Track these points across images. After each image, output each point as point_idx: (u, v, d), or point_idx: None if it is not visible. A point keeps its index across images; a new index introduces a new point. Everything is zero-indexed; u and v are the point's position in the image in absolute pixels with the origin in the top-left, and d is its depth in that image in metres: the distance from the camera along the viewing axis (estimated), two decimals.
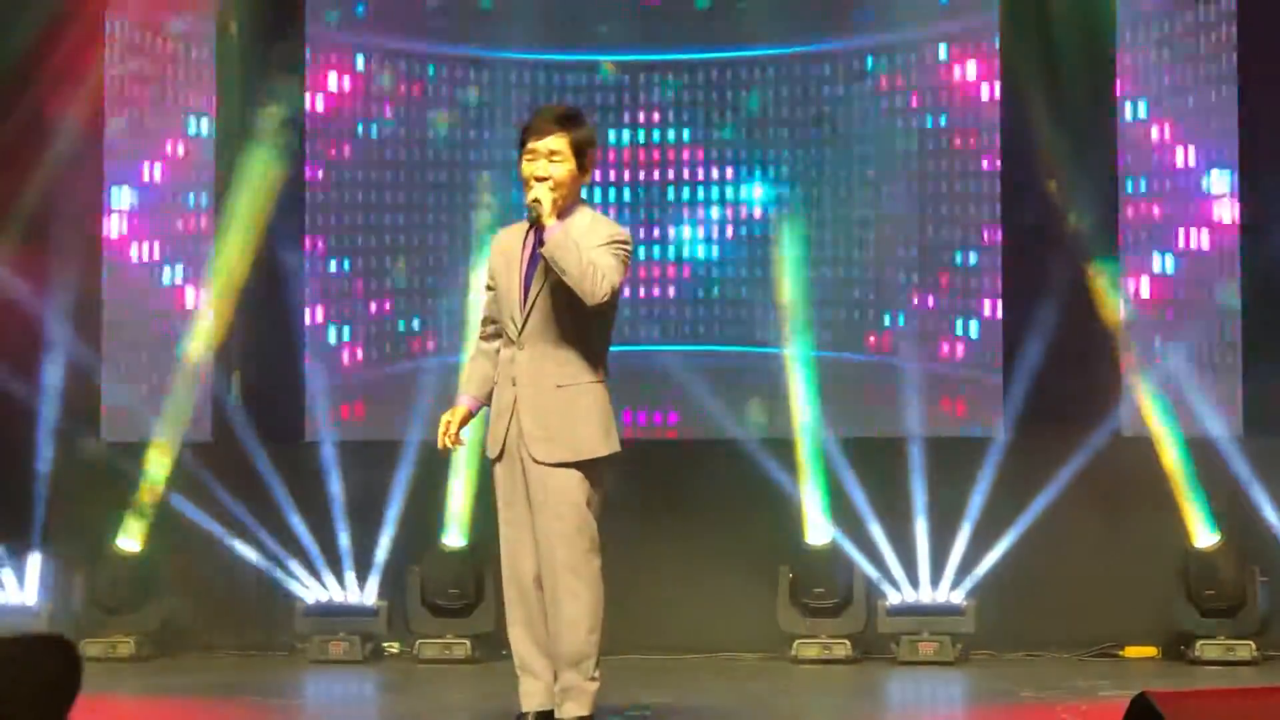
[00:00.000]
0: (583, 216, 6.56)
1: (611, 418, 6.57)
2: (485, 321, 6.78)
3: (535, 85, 10.33)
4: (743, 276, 10.28)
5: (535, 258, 6.49)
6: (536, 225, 6.45)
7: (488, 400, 6.69)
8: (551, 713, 6.58)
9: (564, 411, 6.48)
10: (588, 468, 6.50)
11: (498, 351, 6.67)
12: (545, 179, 6.48)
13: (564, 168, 6.51)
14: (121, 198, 10.40)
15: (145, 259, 10.39)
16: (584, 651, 6.50)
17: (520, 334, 6.51)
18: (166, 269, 10.39)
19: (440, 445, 6.69)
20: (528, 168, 6.54)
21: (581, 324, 6.50)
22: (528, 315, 6.50)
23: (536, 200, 6.43)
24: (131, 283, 10.38)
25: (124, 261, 10.39)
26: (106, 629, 9.81)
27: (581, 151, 6.55)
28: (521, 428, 6.49)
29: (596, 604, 6.51)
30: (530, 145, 6.55)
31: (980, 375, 10.08)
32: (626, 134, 10.32)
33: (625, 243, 6.54)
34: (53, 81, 10.08)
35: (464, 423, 6.69)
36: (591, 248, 6.42)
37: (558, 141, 6.52)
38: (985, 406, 10.06)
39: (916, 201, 10.18)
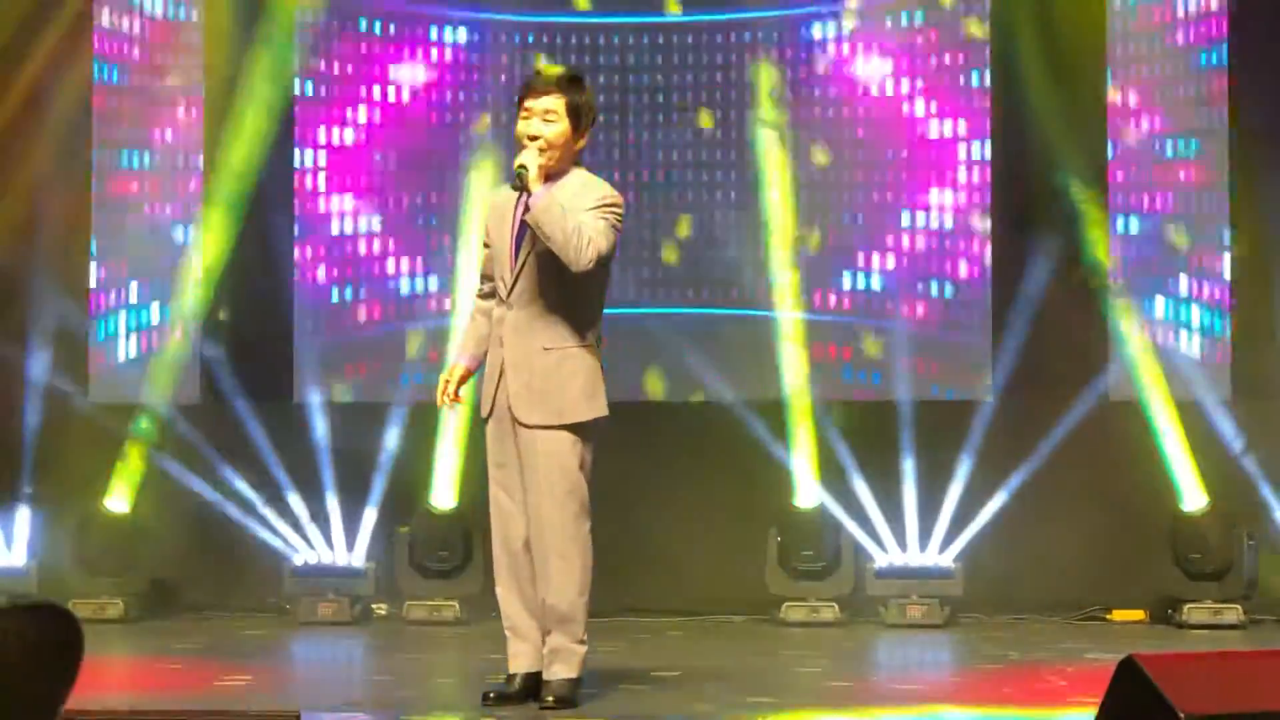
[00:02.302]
0: (574, 179, 6.53)
1: (599, 383, 6.56)
2: (483, 279, 6.77)
3: (529, 45, 10.30)
4: (730, 238, 10.27)
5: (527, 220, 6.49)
6: (523, 190, 6.42)
7: (484, 355, 6.70)
8: (539, 674, 6.60)
9: (549, 374, 6.48)
10: (576, 431, 6.50)
11: (489, 304, 6.68)
12: (537, 138, 6.47)
13: (557, 128, 6.49)
14: (110, 157, 10.36)
15: (134, 217, 10.36)
16: (572, 614, 6.51)
17: (510, 295, 6.51)
18: (156, 229, 10.37)
19: (440, 403, 6.70)
20: (522, 126, 6.52)
21: (571, 287, 6.48)
22: (517, 277, 6.50)
23: (523, 166, 6.40)
24: (120, 242, 10.36)
25: (113, 220, 10.36)
26: (95, 590, 9.80)
27: (578, 114, 6.52)
28: (508, 389, 6.49)
29: (585, 567, 6.52)
30: (526, 104, 6.53)
31: (968, 338, 10.08)
32: (616, 96, 10.30)
33: (616, 206, 6.52)
34: (41, 46, 10.06)
35: (462, 381, 6.70)
36: (580, 211, 6.40)
37: (554, 101, 6.50)
38: (973, 370, 10.06)
39: (905, 163, 10.17)
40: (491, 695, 6.62)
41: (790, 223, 10.17)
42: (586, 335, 6.55)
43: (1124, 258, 9.98)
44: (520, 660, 6.64)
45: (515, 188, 6.46)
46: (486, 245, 6.71)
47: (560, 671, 6.55)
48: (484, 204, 6.83)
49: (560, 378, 6.49)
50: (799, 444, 9.90)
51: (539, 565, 6.52)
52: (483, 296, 6.76)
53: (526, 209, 6.41)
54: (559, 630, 6.53)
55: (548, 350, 6.49)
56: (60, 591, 9.71)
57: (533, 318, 6.50)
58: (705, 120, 10.27)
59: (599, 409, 6.56)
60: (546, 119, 6.49)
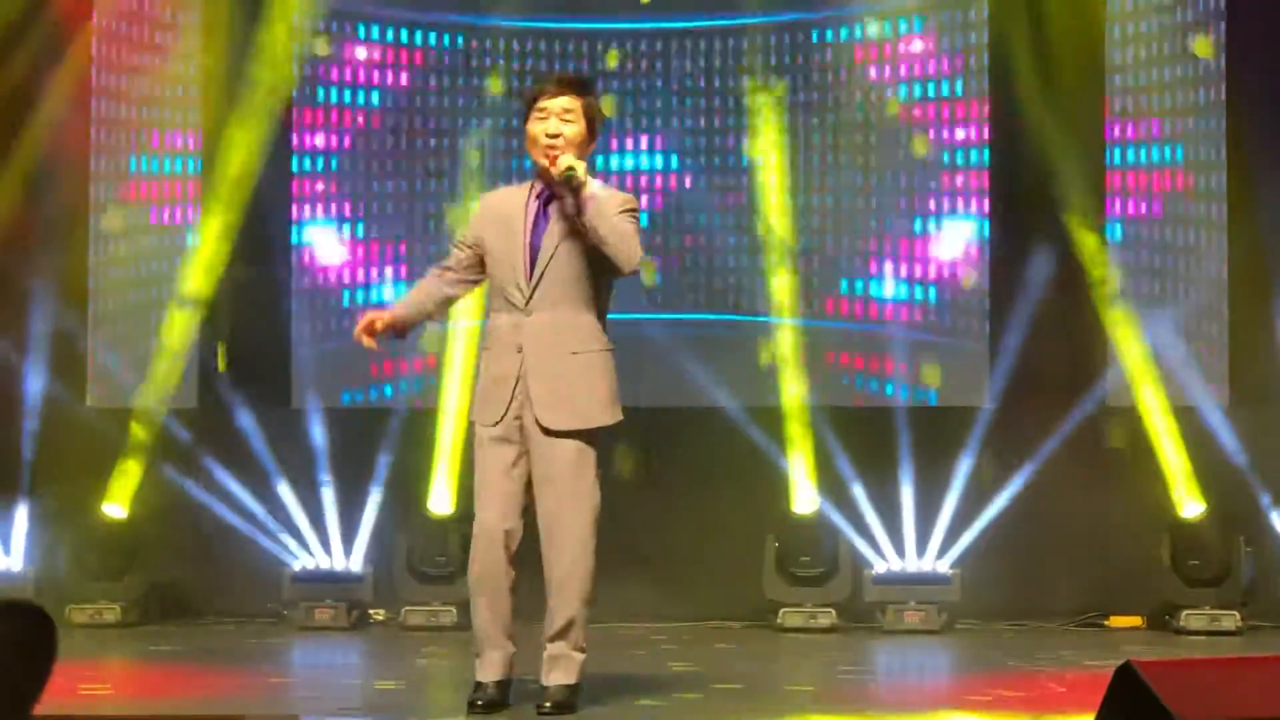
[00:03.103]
0: (592, 184, 6.52)
1: (617, 386, 6.56)
2: (446, 268, 6.69)
3: (528, 52, 10.30)
4: (729, 245, 10.27)
5: (541, 223, 6.47)
6: (573, 192, 6.39)
7: (414, 322, 6.66)
8: (509, 683, 6.59)
9: (575, 378, 6.46)
10: (592, 436, 6.49)
11: (447, 290, 6.65)
12: (556, 136, 6.44)
13: (575, 129, 6.47)
14: (108, 160, 10.36)
15: (133, 221, 10.36)
16: (577, 621, 6.51)
17: (529, 301, 6.46)
18: (154, 233, 10.36)
19: (355, 336, 6.60)
20: (538, 126, 6.47)
21: (590, 290, 6.49)
22: (538, 282, 6.46)
23: (571, 168, 6.37)
24: (118, 245, 10.35)
25: (110, 224, 10.35)
26: (92, 595, 9.80)
27: (592, 117, 6.53)
28: (530, 395, 6.45)
29: (591, 575, 6.52)
30: (541, 104, 6.50)
31: (966, 344, 10.08)
32: (615, 101, 10.30)
33: (636, 210, 6.54)
34: (37, 47, 10.06)
35: (386, 329, 6.60)
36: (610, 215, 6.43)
37: (571, 102, 6.49)
38: (971, 376, 10.06)
39: (904, 169, 10.17)
40: (479, 704, 6.59)
41: (789, 229, 10.17)
42: (605, 337, 6.56)
43: (1121, 263, 9.98)
44: (493, 669, 6.61)
45: (567, 188, 6.39)
46: (470, 246, 6.62)
47: (560, 678, 6.54)
48: (479, 206, 6.74)
49: (588, 382, 6.47)
50: (797, 450, 9.89)
51: (548, 571, 6.49)
52: (440, 270, 6.69)
53: (578, 210, 6.35)
54: (561, 637, 6.52)
55: (575, 354, 6.47)
56: (58, 596, 9.72)
57: (555, 322, 6.46)
58: (707, 125, 10.28)
59: (618, 413, 6.56)
60: (565, 118, 6.47)
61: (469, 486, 8.81)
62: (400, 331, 6.71)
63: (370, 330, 6.60)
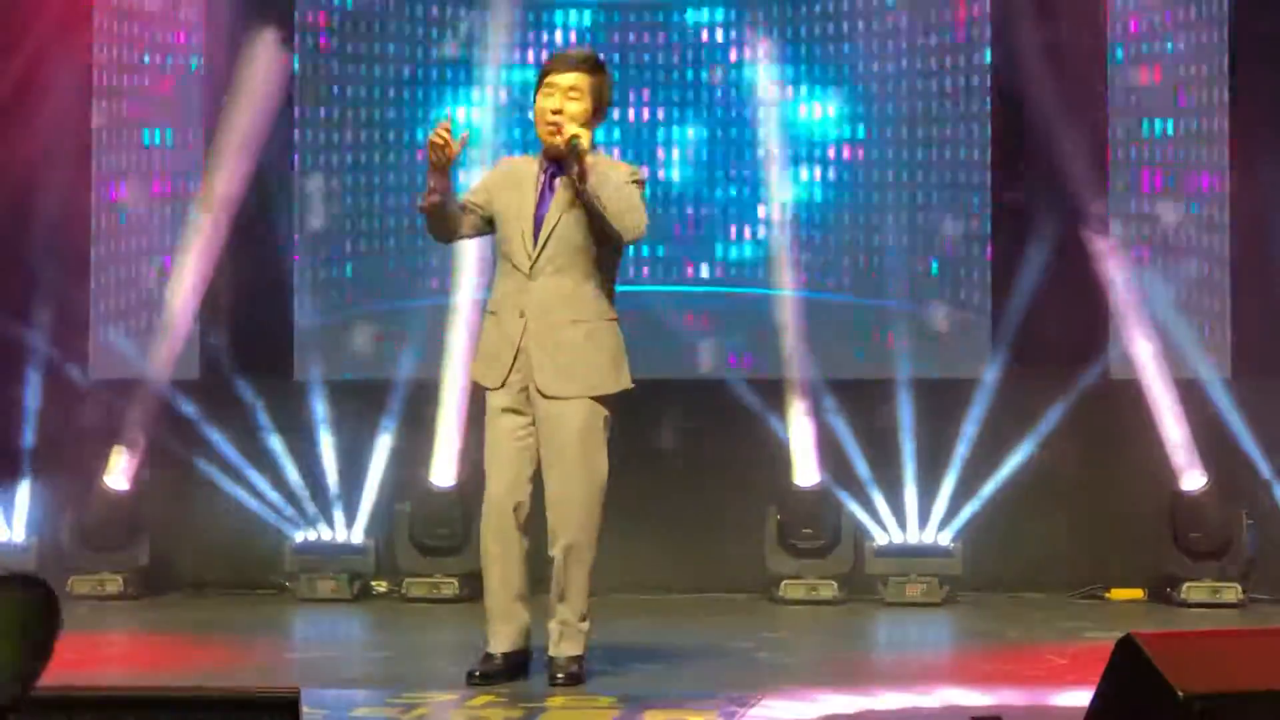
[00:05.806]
0: (600, 155, 6.60)
1: (624, 354, 6.62)
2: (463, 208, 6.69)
3: (529, 22, 10.28)
4: (731, 215, 10.26)
5: (547, 194, 6.52)
6: (577, 160, 6.39)
7: (447, 208, 6.57)
8: (520, 652, 6.62)
9: (576, 346, 6.53)
10: (599, 405, 6.53)
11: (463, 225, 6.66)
12: (558, 112, 6.50)
13: (580, 106, 6.55)
14: (111, 133, 10.34)
15: (134, 193, 10.34)
16: (584, 591, 6.57)
17: (533, 266, 6.50)
18: (157, 204, 10.35)
19: (436, 135, 6.41)
20: (544, 101, 6.56)
21: (594, 260, 6.58)
22: (542, 248, 6.50)
23: (576, 135, 6.41)
24: (120, 218, 10.34)
25: (113, 196, 10.34)
26: (95, 567, 9.80)
27: (600, 94, 6.60)
28: (531, 361, 6.49)
29: (594, 545, 6.57)
30: (550, 80, 6.57)
31: (968, 317, 10.07)
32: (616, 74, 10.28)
33: (643, 181, 6.63)
34: (41, 19, 10.04)
35: (447, 168, 6.48)
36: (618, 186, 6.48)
37: (579, 79, 6.56)
38: (974, 348, 10.05)
39: (905, 141, 10.16)
40: (477, 674, 6.62)
41: (791, 201, 10.15)
42: (609, 307, 6.61)
43: (1124, 236, 9.97)
44: (503, 640, 6.65)
45: (573, 156, 6.41)
46: (479, 205, 6.65)
47: (569, 649, 6.59)
48: (496, 166, 6.78)
49: (587, 350, 6.54)
50: (799, 422, 9.88)
51: (552, 540, 6.52)
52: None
53: (582, 178, 6.38)
54: (567, 607, 6.55)
55: (575, 323, 6.53)
56: (60, 568, 9.72)
57: (558, 290, 6.52)
58: (711, 94, 10.26)
59: (625, 381, 6.62)
60: (570, 95, 6.53)
61: (472, 458, 8.86)
62: (444, 189, 6.51)
63: (447, 146, 6.40)
